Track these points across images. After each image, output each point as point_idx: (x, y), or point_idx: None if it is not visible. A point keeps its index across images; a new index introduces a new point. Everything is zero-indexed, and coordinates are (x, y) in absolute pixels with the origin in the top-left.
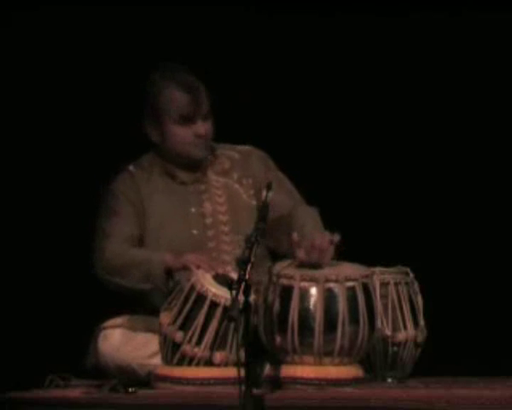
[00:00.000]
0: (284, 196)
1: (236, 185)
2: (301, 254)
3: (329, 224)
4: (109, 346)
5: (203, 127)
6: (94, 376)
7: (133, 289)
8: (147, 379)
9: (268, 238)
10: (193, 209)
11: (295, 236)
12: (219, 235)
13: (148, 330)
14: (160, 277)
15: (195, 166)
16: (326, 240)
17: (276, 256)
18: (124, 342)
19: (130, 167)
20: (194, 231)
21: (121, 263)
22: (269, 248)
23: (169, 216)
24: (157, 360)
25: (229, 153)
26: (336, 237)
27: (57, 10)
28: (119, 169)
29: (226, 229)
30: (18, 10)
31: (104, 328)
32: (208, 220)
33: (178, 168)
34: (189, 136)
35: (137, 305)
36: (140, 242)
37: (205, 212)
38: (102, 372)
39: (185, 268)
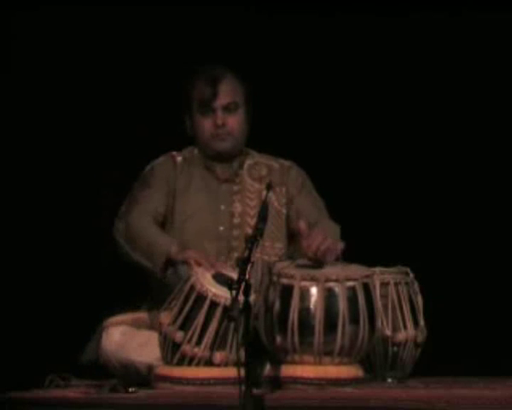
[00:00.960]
0: (313, 209)
1: (270, 192)
2: (306, 244)
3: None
4: (112, 343)
5: (222, 118)
6: (94, 376)
7: (138, 263)
8: (148, 377)
9: (289, 245)
10: (222, 207)
11: (302, 224)
12: (244, 236)
13: (151, 328)
14: (160, 262)
15: (228, 162)
16: (329, 240)
17: None
18: (126, 340)
19: (174, 153)
20: (221, 228)
21: (135, 234)
22: (288, 255)
23: (199, 208)
24: (159, 360)
25: (269, 162)
26: (341, 244)
27: (76, 9)
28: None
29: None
30: (26, 10)
31: (107, 325)
32: (236, 220)
33: (216, 163)
34: (209, 126)
35: (139, 302)
36: (164, 219)
37: (234, 211)
38: (101, 368)
39: (185, 263)
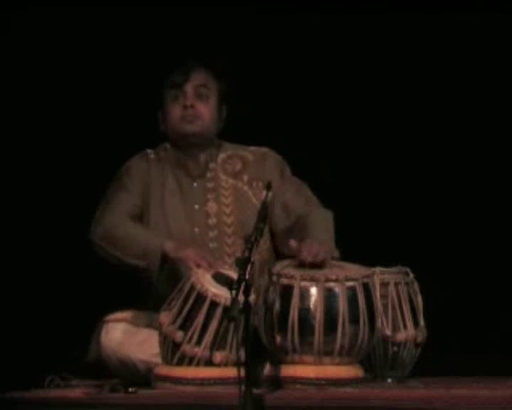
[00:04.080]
0: (300, 200)
1: (245, 187)
2: (305, 255)
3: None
4: (111, 340)
5: (192, 100)
6: (94, 375)
7: (127, 264)
8: (147, 375)
9: (281, 244)
10: (196, 206)
11: (293, 243)
12: (222, 236)
13: (151, 326)
14: (156, 259)
15: (198, 152)
16: (320, 255)
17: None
18: (126, 337)
19: (148, 151)
20: (196, 229)
21: (120, 234)
22: (283, 254)
23: (172, 208)
24: (158, 359)
25: (243, 153)
26: (335, 254)
27: (70, 9)
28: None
29: (229, 231)
30: (30, 7)
31: (107, 322)
32: (212, 220)
33: (186, 157)
34: (178, 109)
35: (139, 300)
36: (139, 220)
37: (209, 211)
38: (104, 366)
39: (182, 262)
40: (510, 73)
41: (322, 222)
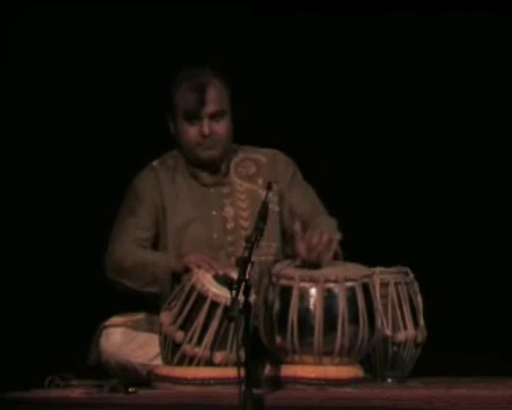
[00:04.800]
0: (307, 204)
1: (261, 191)
2: (301, 248)
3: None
4: (111, 344)
5: (207, 126)
6: (94, 375)
7: (141, 292)
8: (147, 379)
9: (286, 245)
10: (214, 212)
11: (297, 226)
12: (239, 240)
13: (150, 330)
14: (167, 281)
15: (214, 168)
16: (324, 239)
17: None
18: (125, 341)
19: (155, 164)
20: (215, 235)
21: (129, 265)
22: (286, 255)
23: (190, 219)
24: (158, 362)
25: (256, 156)
26: (338, 236)
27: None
28: (144, 165)
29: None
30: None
31: (106, 326)
32: (230, 225)
33: (200, 169)
34: (195, 134)
35: (140, 304)
36: (154, 243)
37: (226, 216)
38: (104, 370)
39: (187, 270)
40: (509, 72)
41: (325, 226)
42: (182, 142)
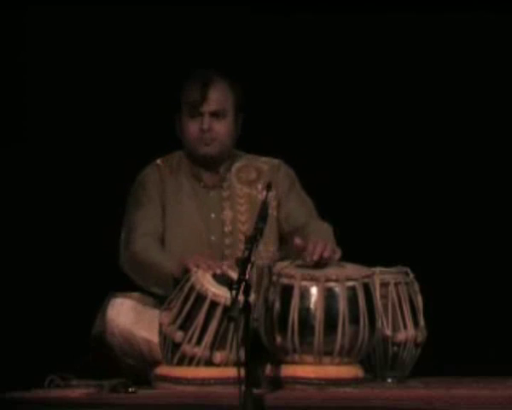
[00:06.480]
0: (303, 213)
1: (260, 196)
2: (308, 258)
3: (330, 224)
4: (117, 313)
5: (209, 122)
6: (94, 376)
7: (151, 291)
8: (148, 357)
9: (281, 250)
10: (213, 215)
11: (298, 240)
12: (237, 243)
13: (158, 308)
14: (170, 286)
15: (213, 167)
16: (327, 251)
17: None
18: (132, 314)
19: (159, 161)
20: (213, 237)
21: (141, 262)
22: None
23: (189, 218)
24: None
25: (258, 164)
26: (338, 254)
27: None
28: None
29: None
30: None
31: (115, 295)
32: (227, 228)
33: (202, 169)
34: (195, 129)
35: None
36: (161, 234)
37: (224, 219)
38: (102, 369)
39: (186, 270)
40: (509, 72)
41: (322, 231)
42: (185, 137)
